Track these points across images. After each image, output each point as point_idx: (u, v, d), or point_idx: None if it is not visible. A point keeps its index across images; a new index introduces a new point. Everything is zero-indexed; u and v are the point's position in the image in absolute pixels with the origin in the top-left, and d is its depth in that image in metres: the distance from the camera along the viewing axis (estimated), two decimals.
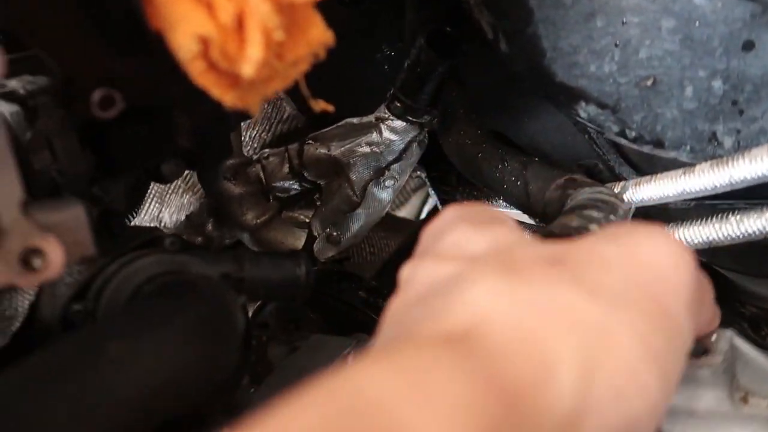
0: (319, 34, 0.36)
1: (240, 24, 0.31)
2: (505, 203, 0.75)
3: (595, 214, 0.48)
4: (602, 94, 0.51)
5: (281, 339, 0.63)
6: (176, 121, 0.47)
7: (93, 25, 0.34)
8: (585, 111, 0.54)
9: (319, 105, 0.40)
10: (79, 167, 0.45)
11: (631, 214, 0.53)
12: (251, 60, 0.31)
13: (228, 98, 0.34)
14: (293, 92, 0.42)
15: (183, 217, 1.00)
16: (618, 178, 0.67)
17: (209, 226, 0.75)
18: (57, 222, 0.33)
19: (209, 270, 0.44)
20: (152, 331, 0.29)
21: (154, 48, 0.36)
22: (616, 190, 0.55)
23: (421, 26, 0.64)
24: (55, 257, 0.32)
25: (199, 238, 0.74)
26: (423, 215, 1.26)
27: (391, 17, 0.77)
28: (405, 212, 1.25)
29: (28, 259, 0.31)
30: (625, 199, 0.54)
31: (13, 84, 0.40)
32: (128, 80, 0.37)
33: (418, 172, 0.91)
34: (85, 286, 0.42)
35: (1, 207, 0.29)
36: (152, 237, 0.45)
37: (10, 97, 0.39)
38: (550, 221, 0.58)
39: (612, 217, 0.49)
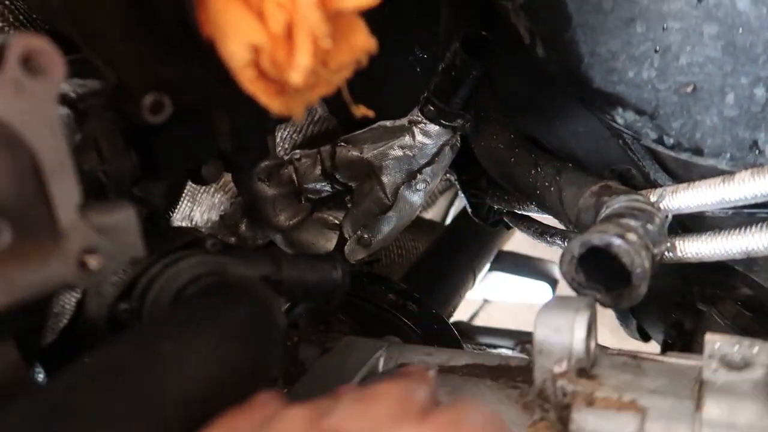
0: (362, 41, 0.37)
1: (289, 32, 0.32)
2: (537, 208, 0.75)
3: (632, 222, 0.48)
4: (640, 100, 0.51)
5: (312, 340, 0.63)
6: (217, 123, 0.48)
7: (146, 31, 0.35)
8: (622, 117, 0.53)
9: (360, 110, 0.41)
10: (124, 168, 0.46)
11: (668, 223, 0.52)
12: (300, 67, 0.32)
13: (275, 105, 0.34)
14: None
15: (214, 216, 1.01)
16: (653, 184, 0.66)
17: (242, 227, 0.76)
18: (110, 224, 0.34)
19: (249, 271, 0.44)
20: (202, 331, 0.30)
21: (202, 53, 0.37)
22: (652, 198, 0.54)
23: (456, 30, 0.64)
24: (109, 258, 0.33)
25: (233, 239, 0.75)
26: (449, 218, 1.26)
27: (424, 21, 0.77)
28: (431, 214, 1.25)
29: (83, 259, 0.32)
30: (662, 207, 0.54)
31: (65, 87, 0.41)
32: (176, 85, 0.38)
33: (448, 175, 0.91)
34: (130, 285, 0.43)
35: (61, 209, 0.30)
36: (194, 238, 0.46)
37: (61, 100, 0.41)
38: (584, 228, 0.58)
39: (649, 226, 0.49)
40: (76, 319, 0.45)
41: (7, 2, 0.56)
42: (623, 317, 0.88)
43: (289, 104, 0.36)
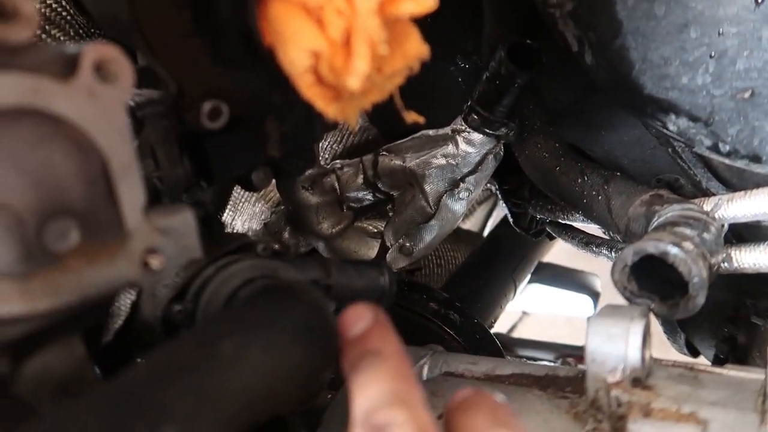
0: (415, 48, 0.37)
1: (347, 39, 0.32)
2: (583, 217, 0.74)
3: (687, 231, 0.47)
4: (694, 106, 0.50)
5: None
6: (267, 131, 0.49)
7: (208, 40, 0.36)
8: (675, 124, 0.52)
9: (411, 116, 0.41)
10: (178, 175, 0.47)
11: (724, 232, 0.51)
12: (357, 73, 0.32)
13: (330, 110, 0.35)
14: None
15: (255, 225, 1.03)
16: (704, 193, 0.64)
17: (286, 234, 0.77)
18: (170, 226, 0.35)
19: (299, 275, 0.45)
20: (260, 332, 0.31)
21: (260, 61, 0.38)
22: (707, 207, 0.53)
23: (501, 39, 0.64)
24: (170, 259, 0.34)
25: (276, 246, 0.76)
26: (488, 228, 1.25)
27: (467, 30, 0.77)
28: (469, 225, 1.24)
29: (146, 259, 0.33)
30: (717, 217, 0.52)
31: None
32: (234, 92, 0.39)
33: (489, 185, 0.90)
34: (184, 287, 0.44)
35: (128, 211, 0.31)
36: (245, 243, 0.47)
37: None
38: (633, 237, 0.57)
39: (705, 235, 0.48)
40: (130, 320, 0.47)
41: (68, 17, 0.59)
42: (671, 331, 0.86)
43: (344, 110, 0.36)
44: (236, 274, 0.43)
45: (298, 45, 0.31)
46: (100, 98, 0.30)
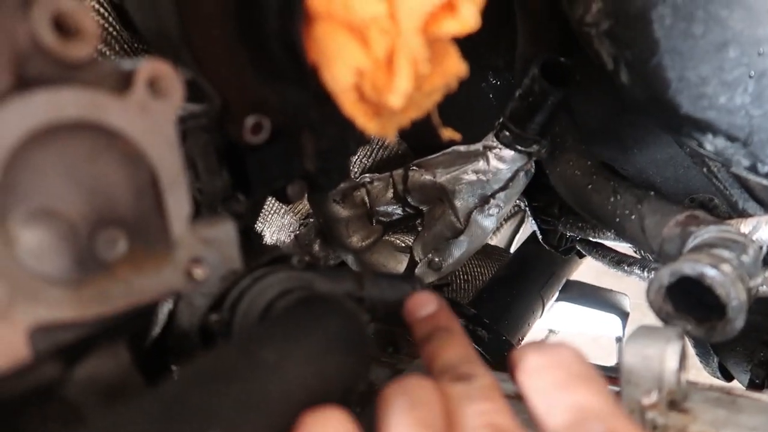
0: (454, 66, 0.38)
1: (390, 57, 0.33)
2: (615, 236, 0.73)
3: (725, 253, 0.46)
4: (732, 126, 0.50)
5: (383, 361, 0.64)
6: (304, 145, 0.50)
7: (254, 57, 0.37)
8: (712, 144, 0.52)
9: (448, 133, 0.42)
10: (217, 186, 0.48)
11: (762, 255, 0.50)
12: (399, 91, 0.33)
13: (371, 126, 0.36)
14: None
15: (283, 237, 1.04)
16: (741, 214, 0.63)
17: (316, 247, 0.78)
18: (213, 237, 0.36)
19: (334, 287, 0.45)
20: (299, 341, 0.31)
21: (302, 78, 0.39)
22: (745, 229, 0.52)
23: (534, 56, 0.64)
24: (212, 268, 0.35)
25: (307, 258, 0.77)
26: (514, 245, 1.25)
27: (499, 47, 0.78)
28: (496, 240, 1.24)
29: (190, 269, 0.34)
30: (755, 239, 0.52)
31: None
32: (275, 107, 0.40)
33: (518, 201, 0.90)
34: (221, 297, 0.45)
35: (174, 221, 0.32)
36: (280, 254, 0.47)
37: None
38: (668, 258, 0.56)
39: (744, 257, 0.47)
40: (167, 328, 0.48)
41: (114, 32, 0.61)
42: (703, 354, 0.84)
43: (383, 126, 0.37)
44: (273, 285, 0.44)
45: (342, 63, 0.32)
46: (152, 113, 0.31)
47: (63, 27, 0.27)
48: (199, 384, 0.27)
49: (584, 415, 0.32)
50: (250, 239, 0.48)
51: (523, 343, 0.94)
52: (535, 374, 0.35)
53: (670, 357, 0.41)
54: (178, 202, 0.32)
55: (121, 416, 0.26)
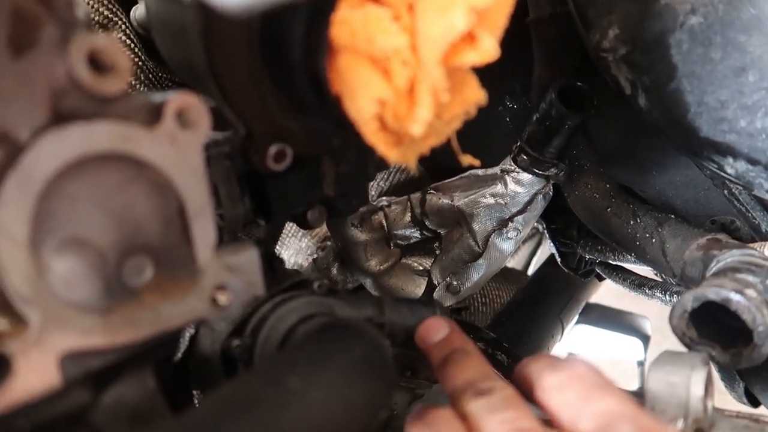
0: (474, 94, 0.38)
1: (411, 88, 0.34)
2: (635, 260, 0.73)
3: (750, 278, 0.45)
4: (753, 149, 0.49)
5: (402, 386, 0.63)
6: (324, 171, 0.51)
7: (278, 88, 0.38)
8: (733, 167, 0.52)
9: (467, 159, 0.42)
10: (239, 212, 0.49)
11: None
12: (421, 120, 0.34)
13: (392, 154, 0.36)
14: None
15: (300, 260, 1.05)
16: (764, 237, 0.63)
17: (334, 270, 0.79)
18: (237, 264, 0.37)
19: (354, 313, 0.46)
20: (324, 368, 0.31)
21: (324, 107, 0.40)
22: None
23: (551, 80, 0.65)
24: (236, 295, 0.35)
25: (325, 281, 0.78)
26: (532, 267, 1.24)
27: (515, 71, 0.78)
28: (513, 263, 1.23)
29: (215, 295, 0.35)
30: None
31: None
32: (298, 136, 0.41)
33: (536, 224, 0.90)
34: (242, 323, 0.45)
35: (200, 249, 0.33)
36: (301, 279, 0.48)
37: None
38: (690, 282, 0.56)
39: None
40: (188, 354, 0.48)
41: (140, 63, 0.63)
42: (729, 379, 0.82)
43: (404, 154, 0.37)
44: (294, 310, 0.44)
45: (365, 93, 0.33)
46: (181, 143, 0.32)
47: (98, 63, 0.28)
48: (225, 412, 0.27)
49: (612, 419, 0.32)
50: (271, 265, 0.48)
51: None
52: (556, 392, 0.36)
53: (695, 384, 0.40)
54: (204, 231, 0.33)
55: None
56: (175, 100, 0.32)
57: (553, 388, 0.36)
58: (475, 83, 0.38)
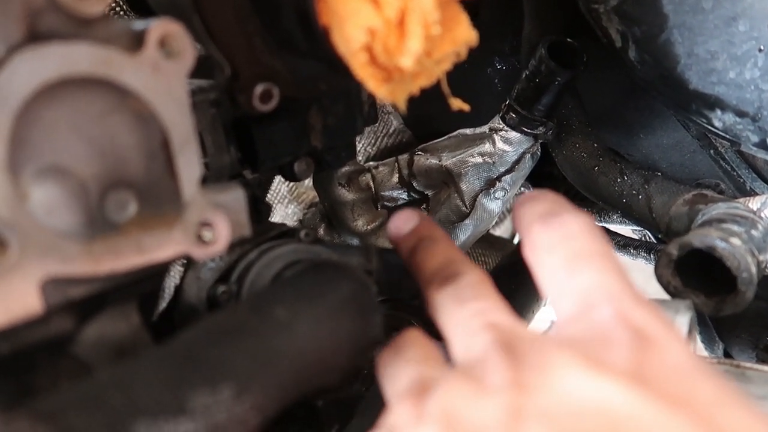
0: (464, 33, 0.38)
1: (401, 18, 0.33)
2: (622, 218, 0.73)
3: (735, 228, 0.46)
4: (742, 101, 0.49)
5: (387, 343, 0.63)
6: (311, 121, 0.50)
7: (264, 22, 0.37)
8: (720, 120, 0.52)
9: (456, 103, 0.41)
10: (224, 161, 0.48)
11: None
12: (410, 53, 0.33)
13: (381, 91, 0.36)
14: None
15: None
16: (748, 195, 0.63)
17: (321, 230, 0.78)
18: (222, 202, 0.36)
19: (342, 260, 0.45)
20: (311, 301, 0.31)
21: (313, 45, 0.39)
22: (753, 206, 0.52)
23: (541, 38, 0.64)
24: (223, 232, 0.35)
25: (311, 230, 0.77)
26: (517, 235, 1.24)
27: (504, 31, 0.78)
28: (500, 231, 1.24)
29: (200, 232, 0.34)
30: (764, 215, 0.51)
31: None
32: (285, 77, 0.40)
33: (522, 188, 0.90)
34: (228, 270, 0.45)
35: (185, 183, 0.32)
36: (287, 229, 0.47)
37: None
38: (675, 236, 0.56)
39: (753, 232, 0.47)
40: (174, 302, 0.48)
41: (122, 12, 0.61)
42: (709, 341, 0.84)
43: (394, 92, 0.37)
44: (280, 257, 0.44)
45: (354, 23, 0.32)
46: (164, 73, 0.31)
47: None
48: (211, 338, 0.27)
49: (592, 298, 0.29)
50: (258, 210, 0.47)
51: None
52: (541, 252, 0.33)
53: (679, 327, 0.41)
54: (189, 164, 0.32)
55: (132, 366, 0.26)
56: (158, 27, 0.31)
57: (539, 247, 0.33)
58: (466, 22, 0.38)
